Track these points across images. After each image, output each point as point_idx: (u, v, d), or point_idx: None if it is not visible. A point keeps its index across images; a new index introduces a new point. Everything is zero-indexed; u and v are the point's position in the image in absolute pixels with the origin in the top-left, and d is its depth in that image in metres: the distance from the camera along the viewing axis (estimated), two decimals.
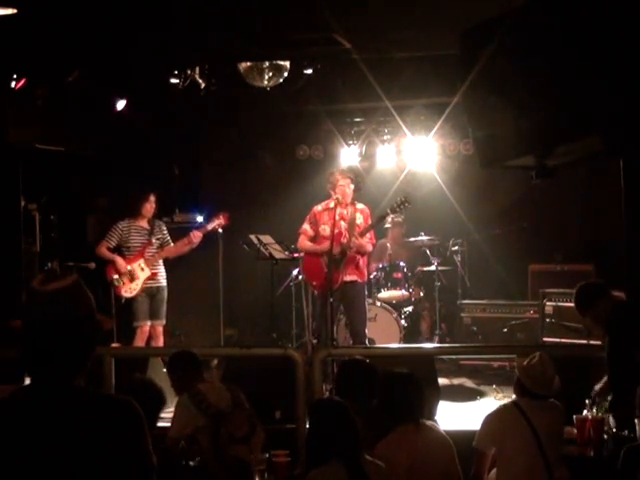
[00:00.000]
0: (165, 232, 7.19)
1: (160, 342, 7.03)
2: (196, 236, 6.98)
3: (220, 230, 7.30)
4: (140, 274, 6.91)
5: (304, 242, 6.79)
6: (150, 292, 6.97)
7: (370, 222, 6.64)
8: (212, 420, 4.11)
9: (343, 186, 6.54)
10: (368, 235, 6.58)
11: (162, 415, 4.47)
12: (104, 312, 6.81)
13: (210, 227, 7.15)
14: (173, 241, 7.15)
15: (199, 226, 7.27)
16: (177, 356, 4.63)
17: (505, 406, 4.00)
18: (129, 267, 6.88)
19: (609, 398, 4.48)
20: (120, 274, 6.86)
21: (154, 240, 7.04)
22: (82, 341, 1.90)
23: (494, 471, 3.86)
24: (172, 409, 4.43)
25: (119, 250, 6.96)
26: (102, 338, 2.04)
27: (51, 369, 1.85)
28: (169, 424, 4.33)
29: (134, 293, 6.89)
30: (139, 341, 6.86)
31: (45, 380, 1.85)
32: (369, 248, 6.71)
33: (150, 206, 7.02)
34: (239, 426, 4.07)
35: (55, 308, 1.86)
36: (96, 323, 1.95)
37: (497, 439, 3.82)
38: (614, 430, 4.36)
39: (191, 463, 4.21)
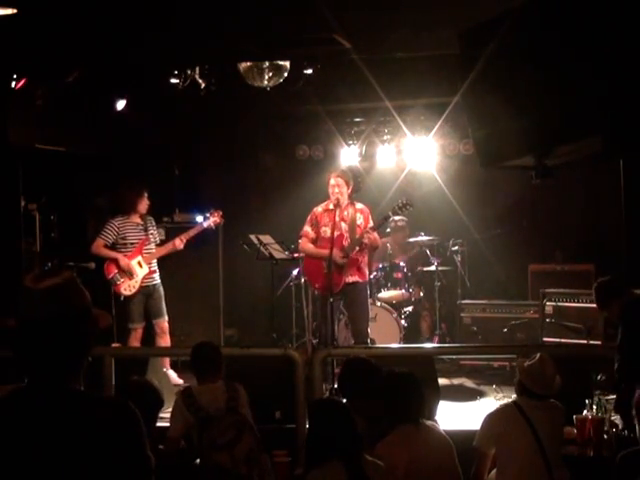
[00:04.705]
0: (156, 228, 7.20)
1: (167, 338, 7.03)
2: (180, 242, 6.98)
3: (214, 227, 7.27)
4: (139, 271, 6.89)
5: (306, 245, 6.76)
6: (147, 292, 6.96)
7: (371, 222, 6.64)
8: (199, 423, 4.10)
9: (333, 186, 6.54)
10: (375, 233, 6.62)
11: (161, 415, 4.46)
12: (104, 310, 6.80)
13: (205, 225, 7.15)
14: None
15: (194, 225, 7.26)
16: (196, 347, 4.54)
17: (505, 406, 4.01)
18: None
19: (609, 398, 4.49)
20: (120, 271, 6.85)
21: (150, 236, 7.05)
22: (76, 340, 1.85)
23: (494, 471, 3.86)
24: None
25: (114, 247, 6.92)
26: (102, 336, 1.99)
27: (45, 369, 1.82)
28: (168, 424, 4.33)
29: (133, 291, 6.87)
30: (133, 342, 6.85)
31: (40, 381, 1.82)
32: (380, 242, 6.83)
33: (145, 202, 7.03)
34: (223, 432, 3.99)
35: (48, 306, 1.81)
36: (92, 321, 1.90)
37: (497, 439, 3.82)
38: (614, 430, 4.37)
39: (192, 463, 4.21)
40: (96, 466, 1.76)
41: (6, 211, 6.91)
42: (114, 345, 6.46)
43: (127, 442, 1.80)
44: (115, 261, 6.86)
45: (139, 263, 6.91)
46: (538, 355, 3.97)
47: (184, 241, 7.02)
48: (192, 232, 7.07)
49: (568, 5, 3.49)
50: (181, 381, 6.62)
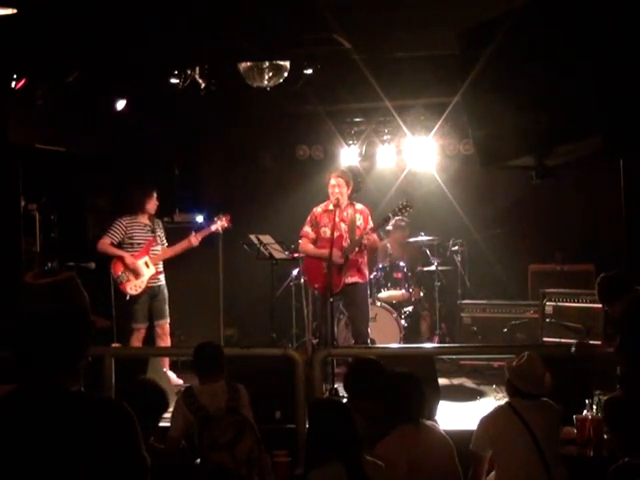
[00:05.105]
0: (162, 230, 7.21)
1: (168, 340, 7.04)
2: (196, 240, 7.01)
3: (221, 230, 7.32)
4: (145, 271, 6.90)
5: (306, 245, 6.76)
6: (152, 292, 6.97)
7: (370, 222, 6.64)
8: (199, 423, 4.10)
9: (333, 186, 6.53)
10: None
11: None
12: (102, 312, 6.81)
13: (213, 228, 7.20)
14: (172, 241, 7.16)
15: (201, 227, 7.29)
16: (199, 347, 4.54)
17: (500, 407, 3.99)
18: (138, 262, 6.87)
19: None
20: (127, 270, 6.85)
21: (157, 237, 7.05)
22: (75, 337, 1.86)
23: (492, 473, 3.86)
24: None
25: (120, 247, 6.93)
26: (102, 336, 2.01)
27: (43, 366, 1.82)
28: (168, 423, 4.33)
29: (139, 290, 6.88)
30: (135, 342, 6.86)
31: (37, 381, 1.82)
32: (379, 244, 6.79)
33: (154, 203, 7.04)
34: (223, 432, 4.00)
35: (48, 301, 1.83)
36: (89, 322, 1.91)
37: (494, 441, 3.81)
38: None
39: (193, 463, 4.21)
40: (91, 466, 1.76)
41: (6, 211, 6.91)
42: (114, 345, 6.46)
43: (122, 442, 1.81)
44: (122, 260, 6.87)
45: (146, 263, 6.93)
46: (526, 354, 3.95)
47: (199, 238, 7.06)
48: (204, 232, 7.12)
49: (568, 5, 3.49)
50: (180, 381, 6.63)
